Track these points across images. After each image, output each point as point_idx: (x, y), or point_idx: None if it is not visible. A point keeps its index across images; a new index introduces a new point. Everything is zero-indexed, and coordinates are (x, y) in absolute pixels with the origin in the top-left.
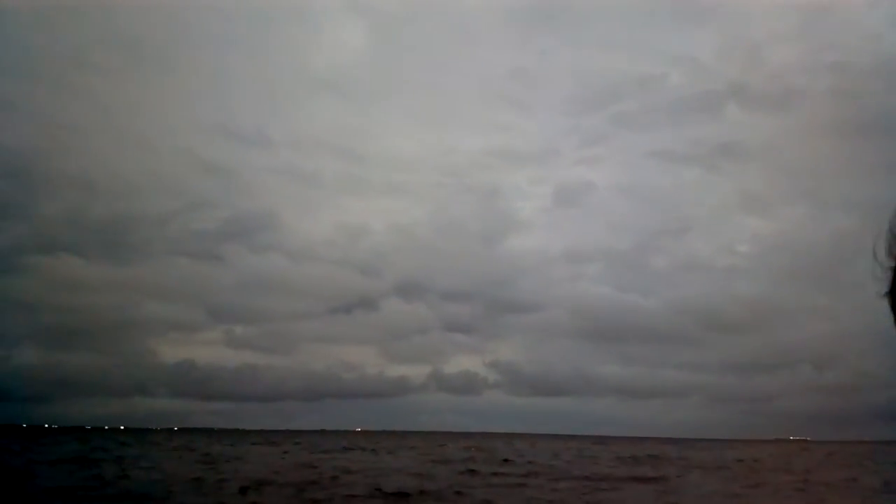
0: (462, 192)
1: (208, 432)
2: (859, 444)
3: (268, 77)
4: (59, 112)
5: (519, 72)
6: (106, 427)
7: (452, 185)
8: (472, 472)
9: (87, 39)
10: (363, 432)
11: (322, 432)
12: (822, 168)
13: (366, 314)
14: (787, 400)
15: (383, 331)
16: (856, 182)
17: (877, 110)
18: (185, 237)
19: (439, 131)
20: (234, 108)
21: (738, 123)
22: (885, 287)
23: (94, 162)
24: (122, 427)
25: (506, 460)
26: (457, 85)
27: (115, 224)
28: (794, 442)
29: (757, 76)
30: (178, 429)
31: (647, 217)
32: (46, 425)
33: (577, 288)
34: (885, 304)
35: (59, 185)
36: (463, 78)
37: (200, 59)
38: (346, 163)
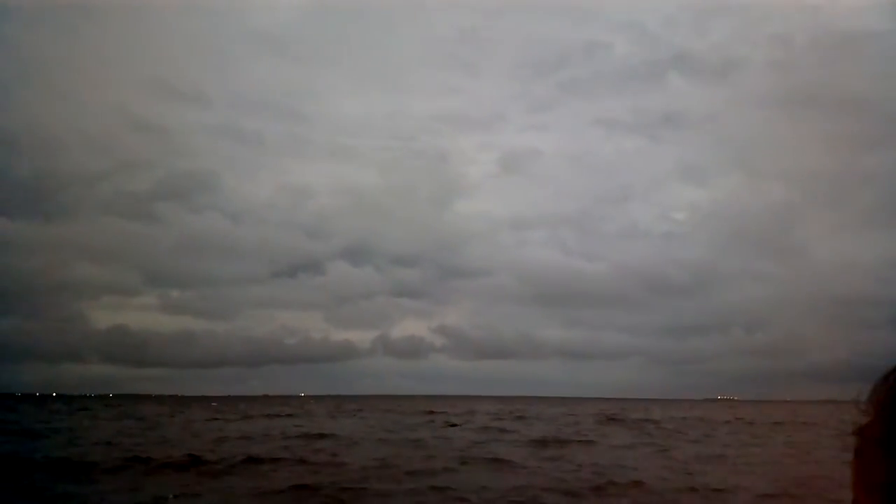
0: (410, 156)
1: (143, 399)
2: (785, 403)
3: (205, 32)
4: None
5: (467, 33)
6: (37, 394)
7: (400, 149)
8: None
9: None
10: (307, 397)
11: (265, 398)
12: (757, 139)
13: (311, 278)
14: (719, 361)
15: (329, 295)
16: (789, 153)
17: (812, 83)
18: (117, 197)
19: (386, 93)
20: (168, 64)
21: (681, 93)
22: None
23: (18, 117)
24: (53, 394)
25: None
26: (404, 46)
27: (42, 182)
28: (722, 401)
29: (700, 45)
30: (113, 395)
31: (591, 184)
32: None
33: (523, 253)
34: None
35: None
36: (410, 39)
37: (133, 11)
38: (289, 123)
